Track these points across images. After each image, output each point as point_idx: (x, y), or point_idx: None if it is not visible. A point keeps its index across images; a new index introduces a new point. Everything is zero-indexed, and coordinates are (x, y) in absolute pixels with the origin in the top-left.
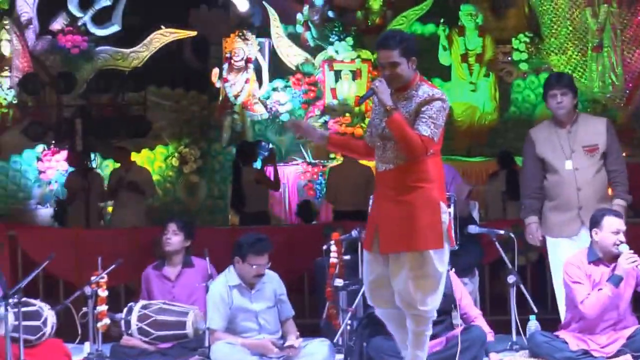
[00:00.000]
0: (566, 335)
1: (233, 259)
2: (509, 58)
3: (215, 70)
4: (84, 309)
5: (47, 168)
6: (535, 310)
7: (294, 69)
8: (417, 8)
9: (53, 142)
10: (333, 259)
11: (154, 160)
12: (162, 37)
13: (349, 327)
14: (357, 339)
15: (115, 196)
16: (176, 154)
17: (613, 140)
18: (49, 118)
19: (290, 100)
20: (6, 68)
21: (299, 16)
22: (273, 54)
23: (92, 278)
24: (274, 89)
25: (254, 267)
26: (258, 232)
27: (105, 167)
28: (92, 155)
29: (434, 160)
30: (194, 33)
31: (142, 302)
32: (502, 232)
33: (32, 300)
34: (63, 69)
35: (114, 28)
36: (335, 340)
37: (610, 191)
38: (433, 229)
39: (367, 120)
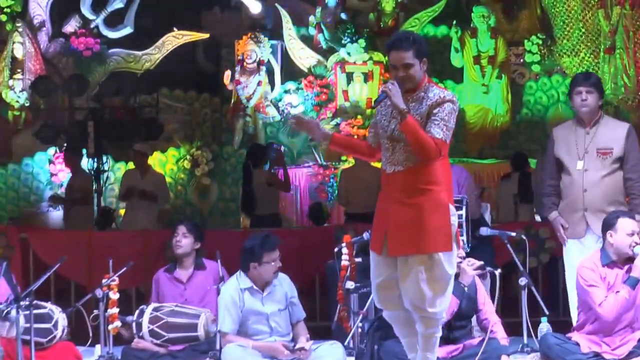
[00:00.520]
0: (578, 337)
1: (246, 267)
2: (522, 60)
3: (228, 73)
4: (95, 312)
5: (58, 171)
6: (547, 312)
7: (306, 71)
8: (429, 10)
9: (65, 145)
10: (344, 261)
11: (165, 163)
12: (174, 39)
13: (360, 330)
14: (369, 342)
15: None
16: (188, 157)
17: (632, 147)
18: (61, 121)
19: (303, 102)
20: (19, 70)
21: (311, 18)
22: (285, 56)
23: (104, 281)
24: (286, 91)
25: (272, 263)
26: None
27: (117, 169)
28: (105, 158)
29: (442, 163)
30: (206, 35)
31: (153, 305)
32: (513, 234)
33: (44, 303)
34: (75, 71)
35: (127, 30)
36: (346, 343)
37: (626, 199)
38: (442, 232)
39: None
